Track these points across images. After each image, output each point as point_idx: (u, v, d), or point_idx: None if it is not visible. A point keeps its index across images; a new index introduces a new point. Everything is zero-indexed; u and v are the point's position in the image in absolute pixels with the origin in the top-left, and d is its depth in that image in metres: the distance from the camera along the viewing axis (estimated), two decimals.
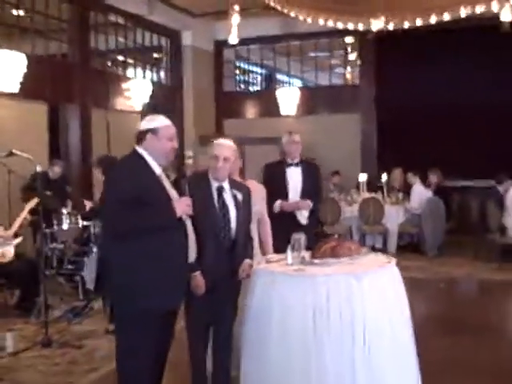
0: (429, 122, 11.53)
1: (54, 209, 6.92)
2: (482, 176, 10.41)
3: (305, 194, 5.48)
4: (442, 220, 9.71)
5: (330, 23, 9.40)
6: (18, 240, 6.36)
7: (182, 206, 3.39)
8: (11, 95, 8.27)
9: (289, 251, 3.83)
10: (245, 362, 3.71)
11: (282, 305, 3.51)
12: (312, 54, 13.75)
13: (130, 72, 11.72)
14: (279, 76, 15.40)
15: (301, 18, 9.54)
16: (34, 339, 5.57)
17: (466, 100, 11.29)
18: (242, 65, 14.65)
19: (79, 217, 6.89)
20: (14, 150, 5.86)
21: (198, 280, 3.63)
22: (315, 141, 10.93)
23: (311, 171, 5.64)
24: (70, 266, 6.92)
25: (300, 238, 3.93)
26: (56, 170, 8.33)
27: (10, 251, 6.24)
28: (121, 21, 11.15)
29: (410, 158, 10.83)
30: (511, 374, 4.64)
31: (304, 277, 3.56)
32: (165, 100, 11.95)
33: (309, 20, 9.40)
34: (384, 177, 10.43)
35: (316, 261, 3.79)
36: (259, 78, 15.66)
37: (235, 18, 9.45)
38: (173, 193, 3.49)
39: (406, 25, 8.88)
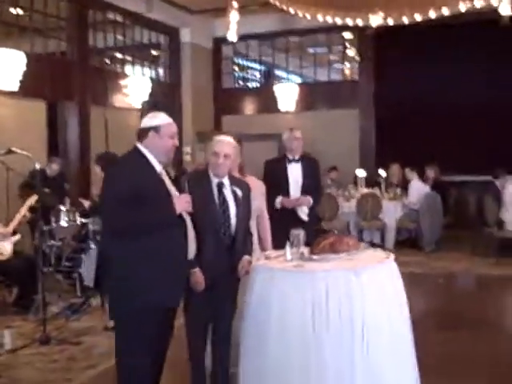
0: (427, 117, 11.53)
1: (52, 206, 6.93)
2: (480, 171, 10.41)
3: (305, 190, 5.51)
4: (439, 215, 9.73)
5: (329, 19, 9.42)
6: (17, 237, 6.36)
7: (182, 202, 3.39)
8: (10, 93, 8.27)
9: (288, 247, 3.84)
10: (244, 359, 3.72)
11: (281, 301, 3.52)
12: (311, 50, 13.74)
13: (128, 69, 11.70)
14: (278, 72, 15.38)
15: (299, 14, 9.55)
16: (32, 336, 5.57)
17: (464, 95, 11.27)
18: (240, 61, 14.65)
19: (77, 214, 6.90)
20: (12, 148, 5.87)
21: (198, 276, 3.64)
22: (314, 136, 10.91)
23: (311, 167, 5.67)
24: (67, 263, 6.91)
25: (299, 233, 3.94)
26: (54, 168, 8.33)
27: (7, 249, 6.25)
28: (119, 18, 11.14)
29: (407, 153, 10.82)
30: (508, 367, 4.66)
31: (303, 273, 3.57)
32: (163, 97, 11.94)
33: (308, 16, 9.41)
34: (382, 172, 10.44)
35: (315, 257, 3.79)
36: (258, 74, 15.64)
37: (234, 15, 9.46)
38: (173, 190, 3.50)
39: (405, 20, 8.89)
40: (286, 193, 5.48)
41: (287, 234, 3.97)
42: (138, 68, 11.82)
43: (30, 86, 8.38)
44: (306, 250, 3.92)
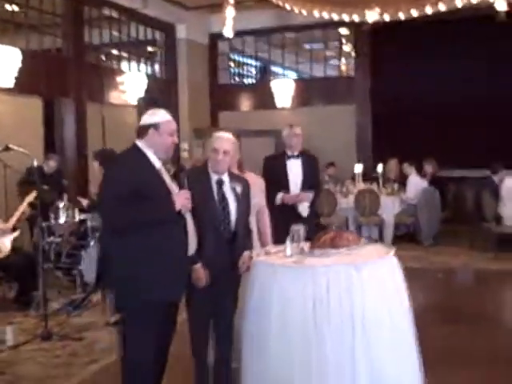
0: (424, 113, 11.54)
1: (50, 203, 6.92)
2: (477, 166, 10.43)
3: (305, 186, 5.52)
4: (437, 210, 9.76)
5: (325, 15, 9.42)
6: (16, 234, 6.36)
7: (181, 199, 3.40)
8: (6, 90, 8.24)
9: (288, 242, 3.85)
10: (246, 354, 3.72)
11: (282, 296, 3.52)
12: (307, 46, 13.74)
13: (124, 66, 11.69)
14: (274, 68, 15.38)
15: (295, 10, 9.55)
16: (33, 332, 5.59)
17: (461, 91, 11.31)
18: (236, 57, 14.63)
19: (76, 210, 6.90)
20: (10, 145, 5.86)
21: (199, 272, 3.65)
22: (310, 132, 10.85)
23: (311, 163, 5.68)
24: (67, 260, 6.94)
25: (299, 229, 3.94)
26: (51, 165, 8.32)
27: (6, 245, 6.24)
28: (115, 15, 11.11)
29: (405, 148, 10.85)
30: (507, 362, 4.68)
31: (304, 268, 3.58)
32: (160, 93, 11.92)
33: (304, 12, 9.41)
34: (379, 168, 10.45)
35: (315, 252, 3.80)
36: (254, 70, 15.64)
37: (230, 11, 9.45)
38: (173, 186, 3.51)
39: (402, 16, 8.91)
40: (286, 189, 5.49)
41: (287, 230, 3.97)
42: (133, 64, 11.79)
43: (25, 83, 8.35)
44: (306, 246, 3.92)
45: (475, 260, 8.57)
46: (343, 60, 13.94)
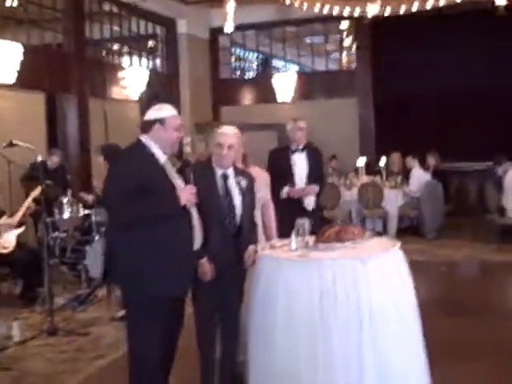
0: (426, 105, 11.55)
1: (54, 198, 6.94)
2: (480, 158, 10.43)
3: (310, 180, 5.53)
4: (440, 203, 9.75)
5: (326, 9, 9.41)
6: (20, 230, 6.38)
7: (186, 194, 3.40)
8: (8, 86, 8.24)
9: (293, 236, 3.85)
10: (252, 347, 3.73)
11: (287, 290, 3.53)
12: (308, 40, 13.72)
13: (125, 61, 11.68)
14: (275, 62, 15.36)
15: (295, 4, 9.54)
16: (39, 327, 5.60)
17: (463, 83, 11.31)
18: (237, 51, 14.60)
19: (80, 205, 6.92)
20: (14, 141, 5.87)
21: (205, 266, 3.64)
22: (312, 126, 10.81)
23: (315, 156, 5.69)
24: (72, 255, 6.95)
25: (304, 223, 3.95)
26: (54, 160, 8.33)
27: (11, 241, 6.26)
28: (115, 9, 11.09)
29: (407, 141, 10.84)
30: (511, 354, 4.67)
31: (310, 261, 3.58)
32: (161, 88, 11.93)
33: (305, 6, 9.40)
34: (382, 161, 10.45)
35: (320, 246, 3.80)
36: (255, 64, 15.61)
37: (230, 6, 9.44)
38: (178, 181, 3.51)
39: (402, 9, 8.89)
40: (292, 183, 5.50)
41: (293, 224, 3.97)
42: (135, 59, 11.79)
43: (27, 78, 8.36)
44: (310, 239, 3.92)
45: (478, 252, 8.56)
46: (344, 53, 13.92)
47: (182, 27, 12.49)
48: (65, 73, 9.59)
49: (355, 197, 9.85)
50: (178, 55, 12.54)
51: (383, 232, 9.47)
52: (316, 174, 5.59)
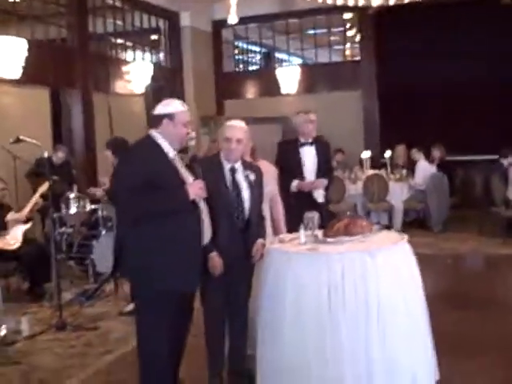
0: (431, 96, 11.49)
1: (61, 193, 6.95)
2: (486, 150, 10.38)
3: (319, 173, 5.50)
4: (446, 195, 9.72)
5: (329, 0, 9.36)
6: (27, 226, 6.39)
7: (195, 189, 3.41)
8: (13, 81, 8.23)
9: (302, 230, 3.85)
10: (260, 341, 3.73)
11: (296, 283, 3.53)
12: (311, 32, 13.66)
13: (129, 55, 11.65)
14: (278, 54, 15.31)
15: None
16: (48, 322, 5.61)
17: (468, 74, 11.24)
18: (240, 44, 14.57)
19: (87, 200, 6.92)
20: (21, 137, 5.87)
21: (215, 261, 3.65)
22: (317, 119, 10.89)
23: (324, 150, 5.66)
24: (79, 250, 6.97)
25: (313, 216, 3.95)
26: (60, 156, 8.33)
27: (18, 237, 6.27)
28: (118, 3, 11.06)
29: (412, 133, 10.81)
30: None
31: (319, 254, 3.59)
32: (165, 82, 11.91)
33: None
34: (387, 154, 10.42)
35: (329, 239, 3.80)
36: (258, 57, 15.57)
37: None
38: (187, 176, 3.51)
39: None
40: (301, 176, 5.46)
41: (302, 217, 3.98)
42: (138, 53, 11.76)
43: (31, 73, 8.33)
44: (319, 233, 3.92)
45: (484, 245, 8.53)
46: (348, 45, 13.87)
47: (185, 20, 12.43)
48: (69, 68, 9.57)
49: (360, 190, 9.82)
50: (181, 49, 12.49)
51: (389, 225, 9.45)
52: (324, 168, 5.57)
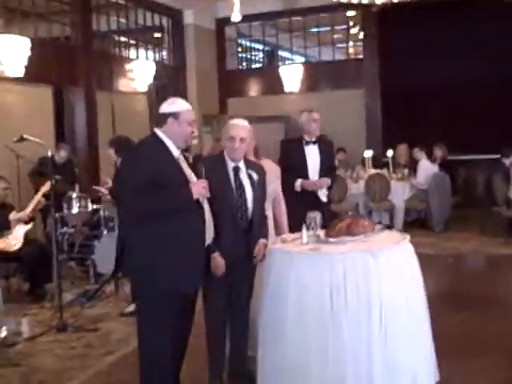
0: (434, 95, 11.46)
1: (63, 193, 6.93)
2: (488, 150, 10.36)
3: (323, 172, 5.50)
4: (447, 195, 9.71)
5: None
6: (29, 226, 6.37)
7: (199, 188, 3.40)
8: (17, 79, 8.23)
9: (304, 230, 3.84)
10: (262, 342, 3.73)
11: (298, 283, 3.53)
12: (314, 30, 13.63)
13: (132, 53, 11.66)
14: (282, 53, 15.28)
15: None
16: (49, 324, 5.58)
17: (470, 73, 11.19)
18: (243, 42, 14.54)
19: (89, 200, 6.91)
20: (24, 135, 5.86)
21: (218, 261, 3.65)
22: (320, 117, 10.87)
23: (327, 149, 5.66)
24: (81, 250, 6.95)
25: (315, 216, 3.94)
26: (62, 155, 8.32)
27: (19, 238, 6.25)
28: (122, 1, 11.05)
29: (414, 133, 10.79)
30: None
31: (321, 255, 3.58)
32: (168, 80, 11.91)
33: None
34: (389, 153, 10.40)
35: (331, 239, 3.80)
36: (261, 55, 15.54)
37: None
38: (191, 175, 3.51)
39: None
40: (305, 175, 5.44)
41: (305, 216, 3.97)
42: (141, 51, 11.75)
43: (35, 72, 8.33)
44: (322, 233, 3.91)
45: (486, 245, 8.51)
46: (351, 43, 13.84)
47: (188, 18, 12.42)
48: (72, 66, 9.56)
49: (362, 189, 9.81)
50: (184, 47, 12.48)
51: (391, 225, 9.44)
52: (328, 167, 5.56)
